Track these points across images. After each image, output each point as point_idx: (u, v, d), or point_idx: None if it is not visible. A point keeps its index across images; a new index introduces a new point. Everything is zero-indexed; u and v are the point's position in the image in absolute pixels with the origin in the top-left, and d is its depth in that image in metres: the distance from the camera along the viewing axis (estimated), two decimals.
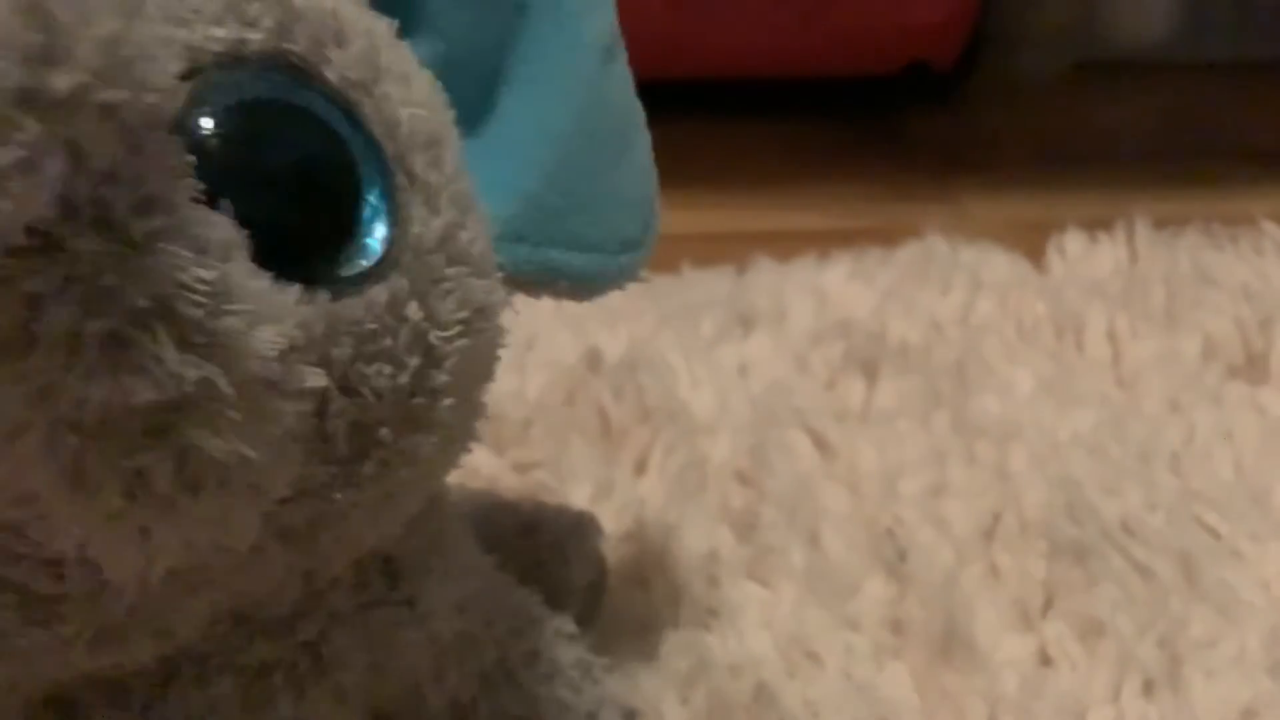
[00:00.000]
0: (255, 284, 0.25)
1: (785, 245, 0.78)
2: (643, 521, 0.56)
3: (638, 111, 0.42)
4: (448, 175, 0.31)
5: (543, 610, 0.43)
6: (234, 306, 0.25)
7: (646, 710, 0.47)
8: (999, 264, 0.76)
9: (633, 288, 0.76)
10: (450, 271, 0.31)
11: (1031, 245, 0.78)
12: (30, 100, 0.20)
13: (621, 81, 0.41)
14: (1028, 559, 0.55)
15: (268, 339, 0.26)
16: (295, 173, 0.27)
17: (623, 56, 0.41)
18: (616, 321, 0.70)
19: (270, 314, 0.26)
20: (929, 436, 0.62)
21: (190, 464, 0.25)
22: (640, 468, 0.60)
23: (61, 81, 0.21)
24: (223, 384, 0.24)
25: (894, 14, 0.96)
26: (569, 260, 0.34)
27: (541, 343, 0.68)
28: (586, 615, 0.49)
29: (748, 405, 0.64)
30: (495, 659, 0.40)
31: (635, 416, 0.62)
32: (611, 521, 0.56)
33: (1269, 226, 0.79)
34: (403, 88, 0.30)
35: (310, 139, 0.28)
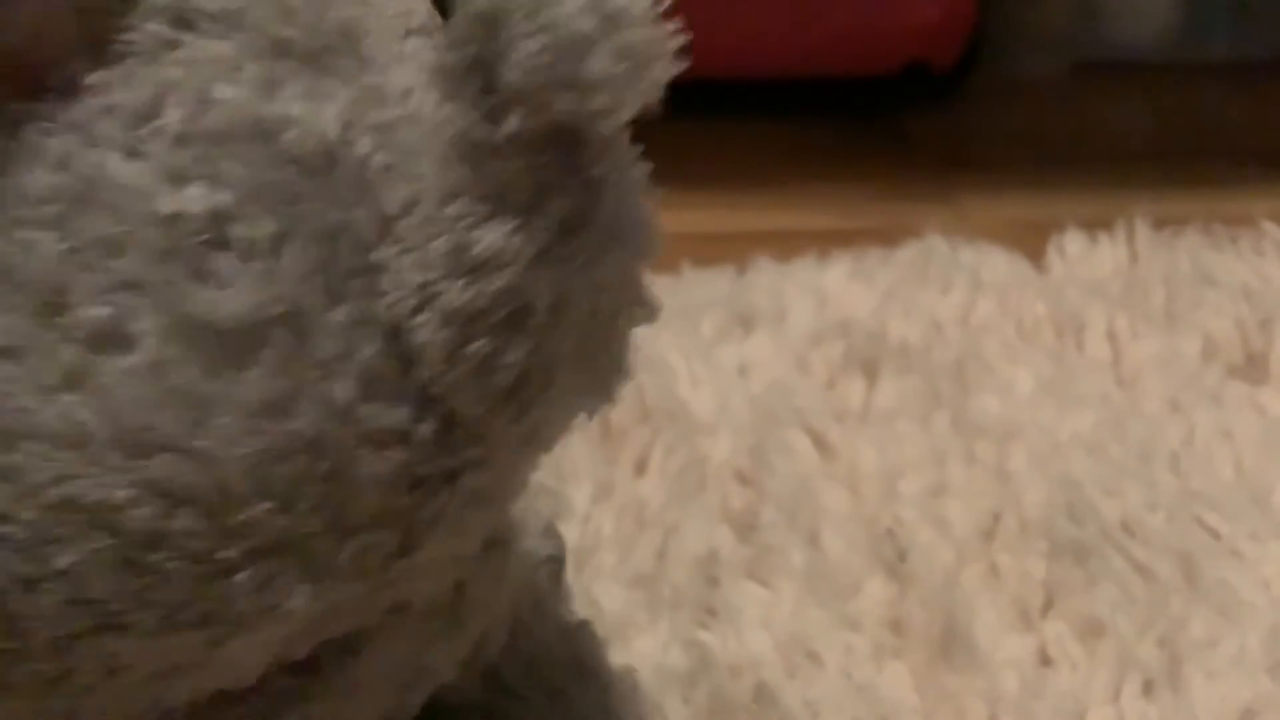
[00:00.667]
0: None
1: (785, 245, 0.78)
2: (643, 521, 0.56)
3: None
4: None
5: (539, 572, 0.44)
6: None
7: (649, 711, 0.47)
8: (999, 264, 0.76)
9: None
10: None
11: (1031, 245, 0.78)
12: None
13: None
14: (1028, 559, 0.55)
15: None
16: None
17: None
18: None
19: None
20: (929, 436, 0.62)
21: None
22: (640, 468, 0.60)
23: None
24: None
25: (894, 14, 0.97)
26: None
27: None
28: (552, 585, 0.50)
29: (748, 405, 0.64)
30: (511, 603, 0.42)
31: (635, 416, 0.62)
32: (611, 521, 0.56)
33: (1269, 226, 0.79)
34: None
35: None
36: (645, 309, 0.32)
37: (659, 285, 0.83)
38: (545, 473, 0.58)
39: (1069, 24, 1.08)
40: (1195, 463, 0.61)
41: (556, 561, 0.46)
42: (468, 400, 0.28)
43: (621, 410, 0.62)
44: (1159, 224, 0.80)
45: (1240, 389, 0.66)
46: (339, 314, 0.28)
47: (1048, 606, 0.53)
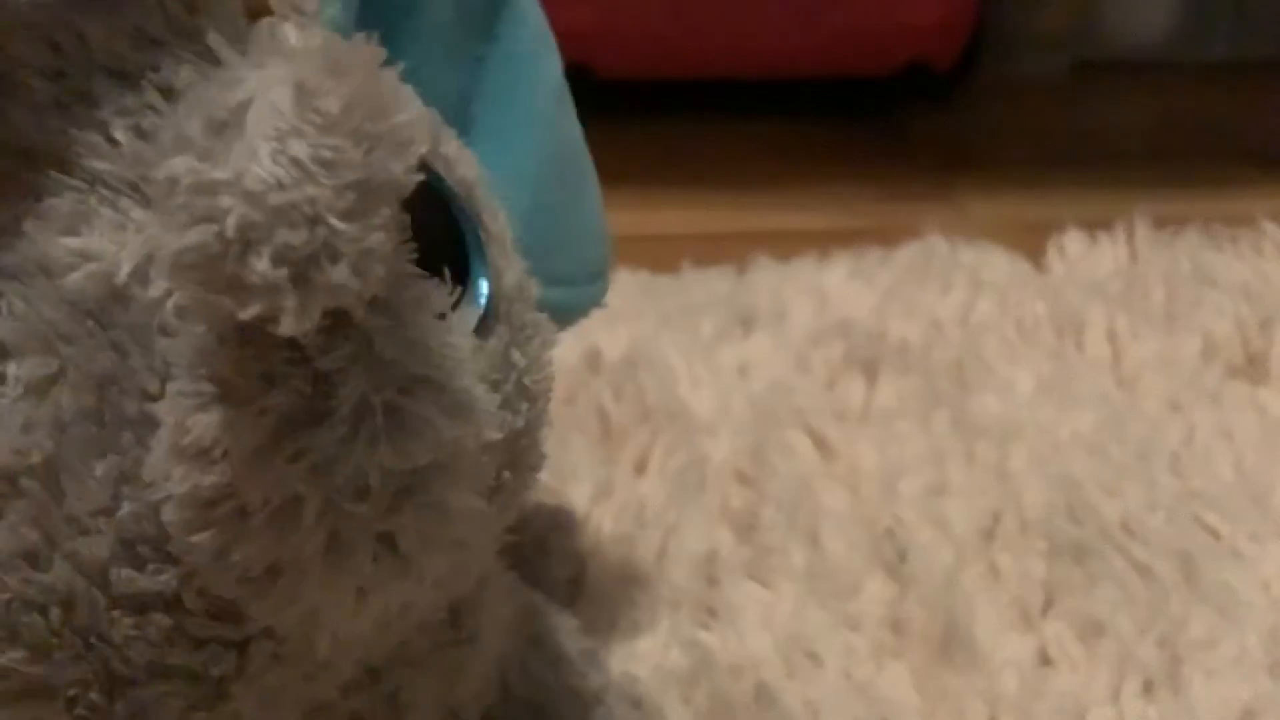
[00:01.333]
0: (466, 343, 0.27)
1: (785, 245, 0.78)
2: (643, 521, 0.56)
3: (584, 142, 0.42)
4: (501, 223, 0.32)
5: (544, 603, 0.44)
6: (466, 367, 0.27)
7: (647, 709, 0.47)
8: (999, 264, 0.76)
9: (633, 287, 0.76)
10: (529, 317, 0.32)
11: (1031, 245, 0.78)
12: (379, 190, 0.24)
13: (573, 118, 0.42)
14: (1028, 559, 0.55)
15: (486, 395, 0.27)
16: (425, 242, 0.27)
17: (569, 94, 0.42)
18: (616, 321, 0.70)
19: (476, 370, 0.28)
20: (929, 436, 0.62)
21: (433, 522, 0.26)
22: (640, 468, 0.60)
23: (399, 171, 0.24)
24: (471, 441, 0.26)
25: (894, 14, 0.97)
26: (548, 295, 0.34)
27: None
28: (567, 609, 0.50)
29: (748, 405, 0.64)
30: (519, 666, 0.41)
31: (635, 416, 0.62)
32: (611, 521, 0.56)
33: (1269, 226, 0.79)
34: (450, 146, 0.31)
35: (430, 211, 0.28)
36: (445, 504, 0.26)
37: (659, 285, 0.84)
38: (545, 473, 0.58)
39: (1069, 24, 1.09)
40: (1195, 463, 0.61)
41: (576, 585, 0.46)
42: (219, 584, 0.26)
43: (621, 410, 0.62)
44: (1159, 224, 0.80)
45: (1240, 389, 0.66)
46: (101, 468, 0.26)
47: (1048, 606, 0.53)
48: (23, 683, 0.27)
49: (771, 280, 0.74)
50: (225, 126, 0.23)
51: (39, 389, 0.26)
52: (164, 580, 0.27)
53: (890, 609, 0.52)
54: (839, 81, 1.00)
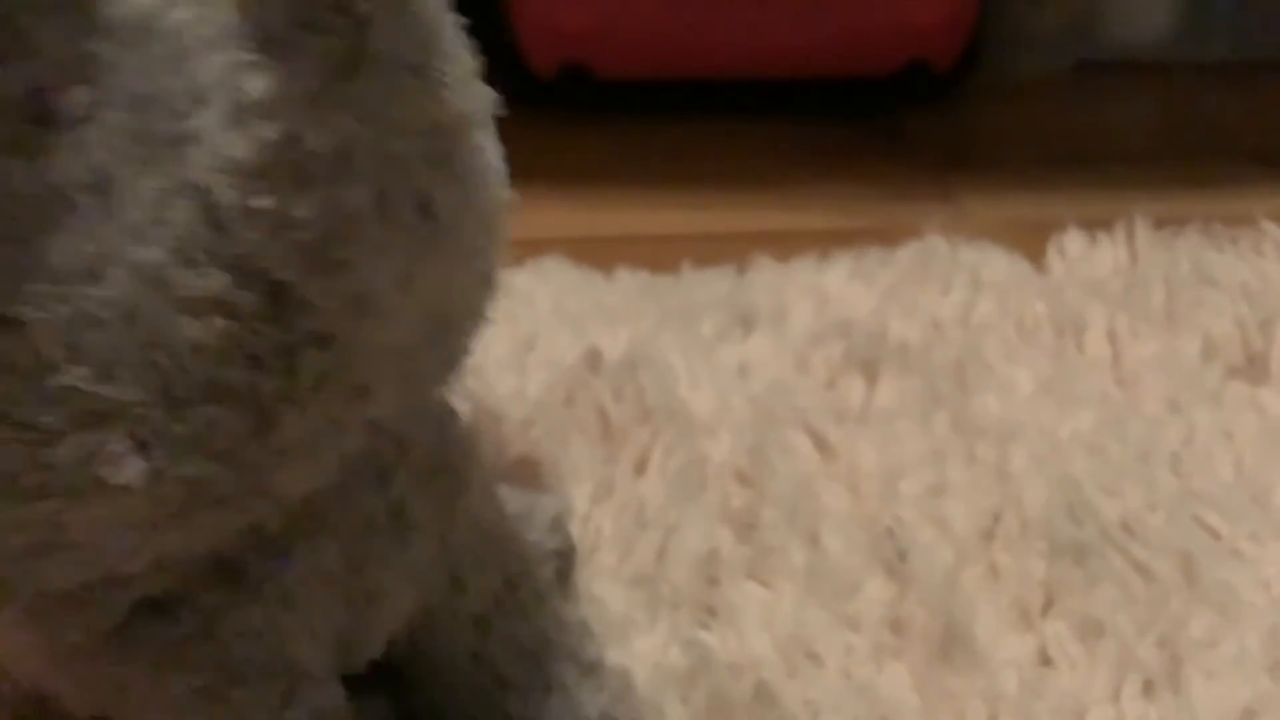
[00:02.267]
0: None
1: (785, 245, 0.78)
2: (643, 521, 0.56)
3: None
4: None
5: (542, 564, 0.45)
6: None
7: (646, 708, 0.47)
8: (999, 264, 0.76)
9: (633, 287, 0.76)
10: None
11: (1031, 245, 0.78)
12: None
13: None
14: (1028, 559, 0.55)
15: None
16: None
17: None
18: (616, 321, 0.70)
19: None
20: (929, 436, 0.62)
21: (463, 187, 0.30)
22: (640, 468, 0.60)
23: None
24: (484, 108, 0.31)
25: (894, 14, 0.97)
26: None
27: (541, 343, 0.68)
28: (560, 581, 0.50)
29: (748, 405, 0.64)
30: (508, 583, 0.42)
31: (635, 416, 0.62)
32: (611, 521, 0.56)
33: (1269, 226, 0.79)
34: None
35: None
36: (472, 173, 0.30)
37: (659, 285, 0.83)
38: (545, 473, 0.59)
39: (1070, 24, 1.08)
40: (1195, 463, 0.61)
41: (563, 557, 0.47)
42: (274, 262, 0.28)
43: (621, 410, 0.62)
44: (1159, 224, 0.80)
45: (1240, 389, 0.66)
46: (151, 181, 0.28)
47: (1048, 606, 0.53)
48: (86, 404, 0.28)
49: (771, 280, 0.74)
50: None
51: (84, 116, 0.27)
52: (218, 281, 0.28)
53: (890, 609, 0.52)
54: (839, 81, 1.00)
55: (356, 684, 0.39)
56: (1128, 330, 0.70)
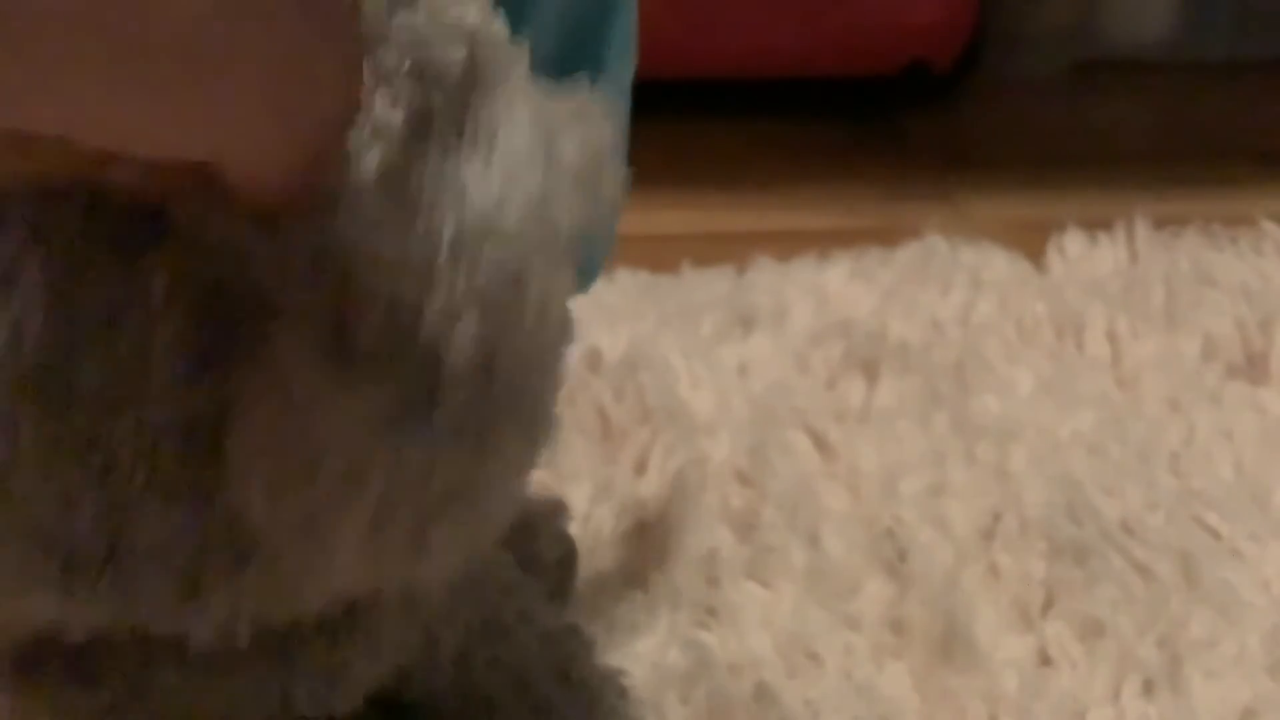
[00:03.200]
0: None
1: (785, 245, 0.78)
2: (643, 521, 0.56)
3: None
4: None
5: (527, 580, 0.44)
6: None
7: (646, 709, 0.47)
8: (999, 264, 0.76)
9: (633, 288, 0.76)
10: None
11: (1031, 245, 0.78)
12: None
13: None
14: (1028, 559, 0.54)
15: None
16: None
17: None
18: (616, 321, 0.70)
19: None
20: (929, 436, 0.62)
21: None
22: (640, 468, 0.60)
23: None
24: None
25: (894, 14, 0.97)
26: None
27: None
28: (559, 591, 0.50)
29: (748, 405, 0.64)
30: (486, 618, 0.42)
31: (635, 416, 0.62)
32: (611, 521, 0.56)
33: (1269, 226, 0.79)
34: None
35: None
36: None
37: (659, 285, 0.83)
38: (545, 473, 0.58)
39: (1069, 24, 1.08)
40: (1195, 463, 0.61)
41: (563, 566, 0.47)
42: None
43: (621, 410, 0.62)
44: (1159, 224, 0.80)
45: (1240, 389, 0.66)
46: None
47: (1048, 606, 0.53)
48: None
49: (771, 280, 0.74)
50: None
51: None
52: None
53: (890, 609, 0.52)
54: (839, 81, 1.00)
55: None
56: (1128, 330, 0.70)
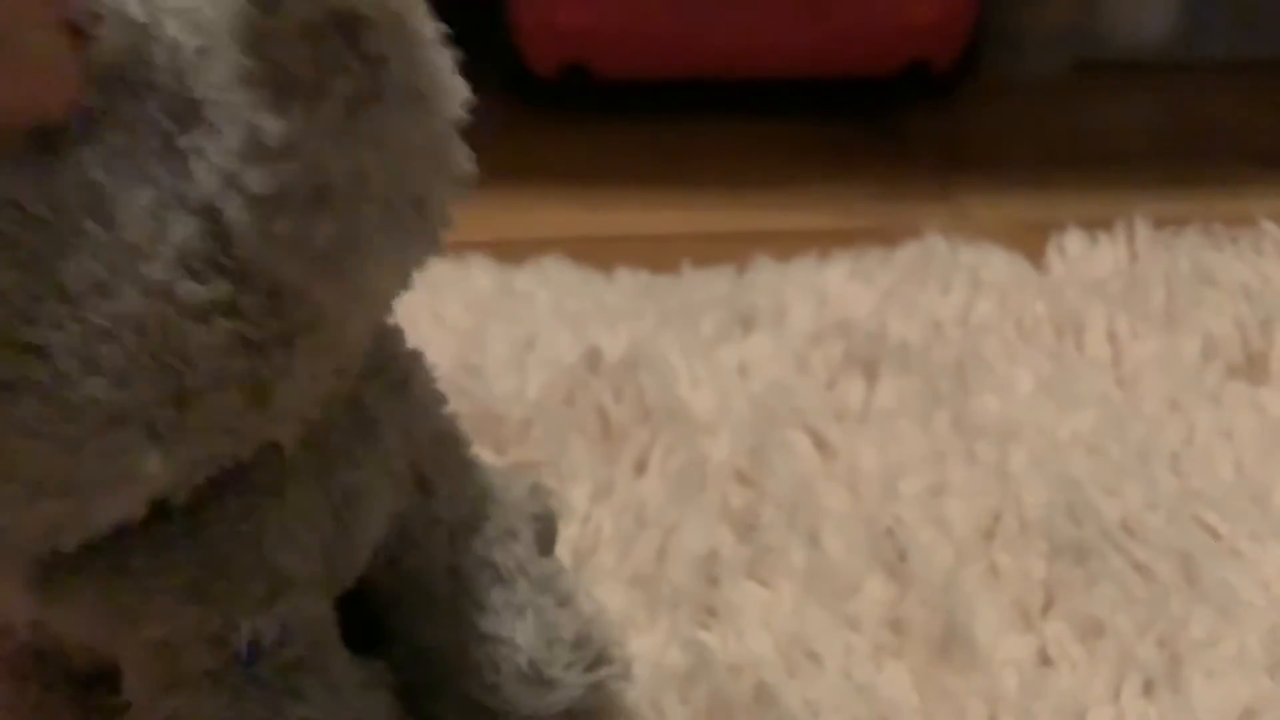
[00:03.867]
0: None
1: (785, 245, 0.78)
2: (643, 521, 0.56)
3: None
4: None
5: (522, 524, 0.45)
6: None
7: (645, 707, 0.47)
8: (999, 264, 0.76)
9: (633, 287, 0.76)
10: None
11: (1031, 245, 0.78)
12: None
13: None
14: (1028, 559, 0.55)
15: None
16: None
17: None
18: (616, 321, 0.70)
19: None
20: (929, 436, 0.62)
21: (450, 179, 0.32)
22: (640, 468, 0.60)
23: None
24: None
25: (894, 14, 0.96)
26: None
27: (541, 343, 0.68)
28: (540, 546, 0.51)
29: (748, 405, 0.64)
30: (476, 509, 0.44)
31: (635, 416, 0.62)
32: (611, 521, 0.56)
33: (1269, 226, 0.79)
34: None
35: None
36: (457, 158, 0.32)
37: (659, 285, 0.83)
38: (545, 473, 0.59)
39: (1069, 24, 1.08)
40: (1195, 463, 0.61)
41: (543, 522, 0.47)
42: (287, 273, 0.30)
43: (621, 410, 0.62)
44: (1159, 224, 0.80)
45: (1240, 389, 0.66)
46: (143, 198, 0.29)
47: (1048, 606, 0.53)
48: (106, 411, 0.30)
49: (771, 280, 0.74)
50: None
51: (84, 135, 0.29)
52: (223, 289, 0.30)
53: (890, 609, 0.52)
54: (839, 81, 1.00)
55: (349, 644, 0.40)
56: (1128, 330, 0.70)
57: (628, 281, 0.75)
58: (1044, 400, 0.65)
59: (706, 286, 0.74)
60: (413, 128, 0.30)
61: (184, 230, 0.29)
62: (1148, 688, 0.49)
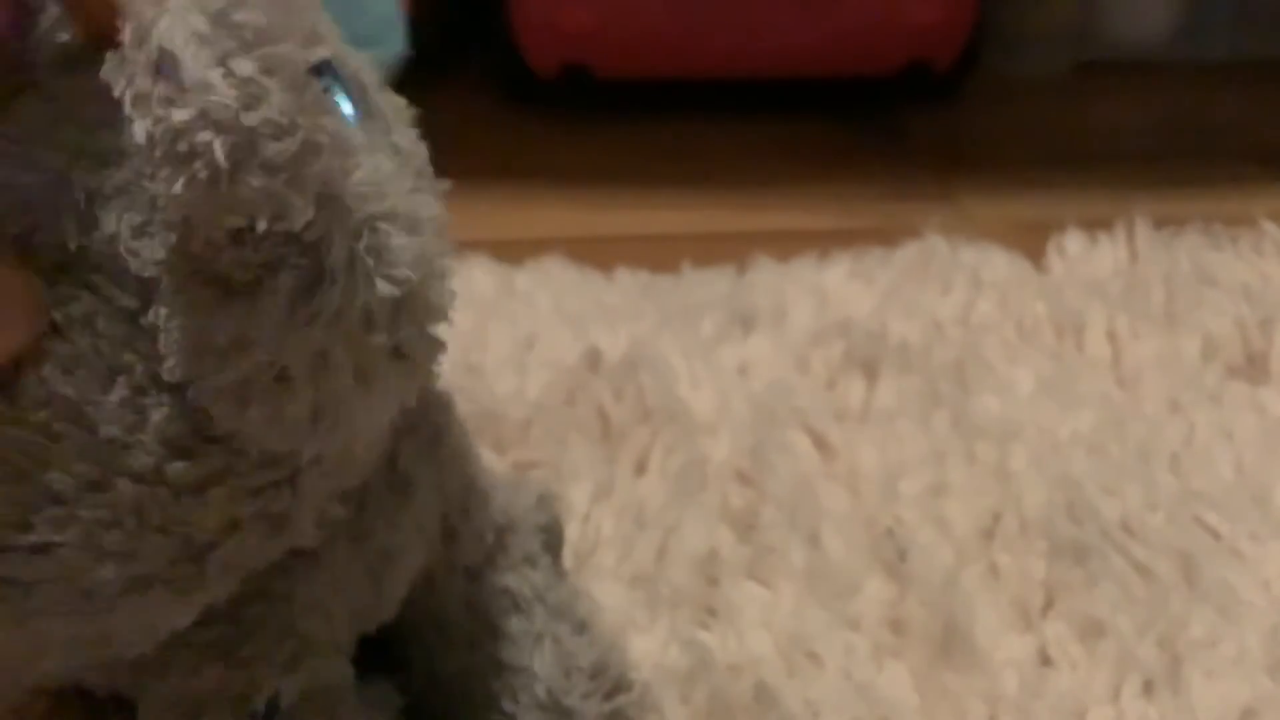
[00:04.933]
0: (387, 164, 0.31)
1: (785, 245, 0.78)
2: (643, 521, 0.56)
3: None
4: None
5: (533, 537, 0.46)
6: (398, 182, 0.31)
7: (646, 707, 0.47)
8: (999, 264, 0.76)
9: (633, 287, 0.76)
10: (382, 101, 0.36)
11: (1031, 245, 0.78)
12: None
13: None
14: (1028, 559, 0.55)
15: (424, 197, 0.33)
16: None
17: None
18: (616, 321, 0.70)
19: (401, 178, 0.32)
20: (929, 436, 0.62)
21: (426, 318, 0.31)
22: (640, 468, 0.60)
23: None
24: (434, 242, 0.31)
25: (894, 14, 0.97)
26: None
27: (541, 343, 0.68)
28: (548, 555, 0.51)
29: (748, 405, 0.64)
30: (497, 538, 0.44)
31: (635, 416, 0.62)
32: (611, 521, 0.56)
33: (1269, 226, 0.79)
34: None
35: None
36: (432, 305, 0.31)
37: (659, 285, 0.83)
38: (545, 473, 0.59)
39: (1069, 24, 1.08)
40: (1195, 463, 0.61)
41: (550, 533, 0.48)
42: (270, 443, 0.30)
43: (621, 410, 0.62)
44: (1159, 224, 0.80)
45: (1240, 389, 0.66)
46: (115, 394, 0.29)
47: (1048, 606, 0.53)
48: (125, 583, 0.30)
49: (771, 280, 0.74)
50: (163, 67, 0.26)
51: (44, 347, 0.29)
52: (214, 461, 0.30)
53: (890, 609, 0.52)
54: (839, 81, 1.00)
55: (357, 664, 0.40)
56: (1128, 330, 0.70)
57: (628, 281, 0.75)
58: (1044, 400, 0.65)
59: (706, 286, 0.74)
60: (368, 290, 0.29)
61: (162, 413, 0.29)
62: (1148, 688, 0.49)
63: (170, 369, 0.29)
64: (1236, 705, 0.48)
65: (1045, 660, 0.51)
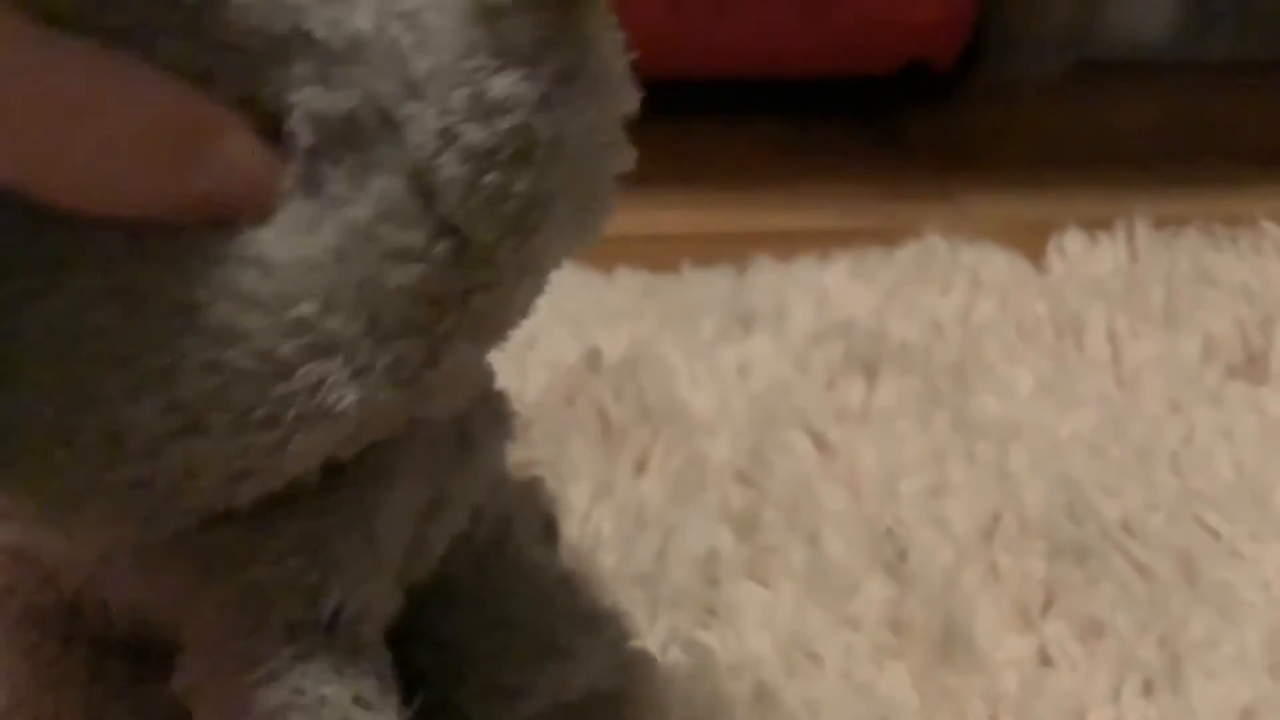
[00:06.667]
0: None
1: (785, 245, 0.78)
2: (643, 521, 0.56)
3: None
4: None
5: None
6: None
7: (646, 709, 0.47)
8: (999, 264, 0.76)
9: (633, 287, 0.76)
10: None
11: (1031, 245, 0.78)
12: None
13: None
14: (1028, 559, 0.55)
15: None
16: None
17: None
18: (616, 321, 0.70)
19: None
20: (929, 436, 0.62)
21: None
22: (640, 468, 0.60)
23: None
24: None
25: (894, 14, 0.96)
26: None
27: (541, 343, 0.68)
28: (547, 539, 0.52)
29: (748, 405, 0.64)
30: (505, 525, 0.46)
31: (635, 416, 0.62)
32: (611, 521, 0.56)
33: (1269, 226, 0.79)
34: None
35: None
36: (625, 152, 0.37)
37: (659, 285, 0.83)
38: (545, 472, 0.59)
39: (1070, 23, 1.08)
40: (1195, 463, 0.61)
41: (548, 527, 0.49)
42: (481, 227, 0.33)
43: (621, 410, 0.62)
44: (1159, 224, 0.80)
45: (1240, 389, 0.66)
46: (348, 162, 0.33)
47: (1048, 606, 0.53)
48: (314, 337, 0.33)
49: (771, 280, 0.74)
50: None
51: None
52: (419, 237, 0.33)
53: (890, 609, 0.52)
54: (839, 81, 1.00)
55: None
56: (1128, 330, 0.70)
57: (628, 281, 0.74)
58: (1044, 400, 0.65)
59: (706, 286, 0.74)
60: (601, 111, 0.35)
61: (386, 184, 0.33)
62: (1148, 688, 0.49)
63: (421, 136, 0.33)
64: (1236, 705, 0.48)
65: (1045, 660, 0.51)
